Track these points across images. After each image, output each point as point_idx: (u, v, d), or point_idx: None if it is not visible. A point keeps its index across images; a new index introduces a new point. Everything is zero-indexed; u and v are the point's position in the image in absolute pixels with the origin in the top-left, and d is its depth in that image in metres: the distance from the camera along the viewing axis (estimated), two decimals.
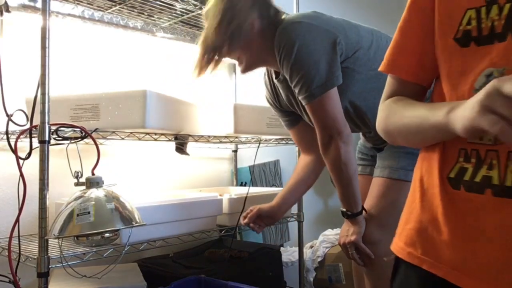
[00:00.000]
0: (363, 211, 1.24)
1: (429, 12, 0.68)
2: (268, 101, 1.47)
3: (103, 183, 1.14)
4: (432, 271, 0.64)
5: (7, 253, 1.12)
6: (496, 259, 0.58)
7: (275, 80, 1.34)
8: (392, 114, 0.72)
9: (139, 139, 1.38)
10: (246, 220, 1.48)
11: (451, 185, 0.64)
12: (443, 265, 0.63)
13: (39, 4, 1.23)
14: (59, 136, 1.14)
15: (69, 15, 1.40)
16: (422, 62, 0.71)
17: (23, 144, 1.18)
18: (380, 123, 0.76)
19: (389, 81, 0.77)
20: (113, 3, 1.46)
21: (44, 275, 1.06)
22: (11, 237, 1.12)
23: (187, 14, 1.60)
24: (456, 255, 0.62)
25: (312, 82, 1.12)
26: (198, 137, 1.56)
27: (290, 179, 1.50)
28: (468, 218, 0.62)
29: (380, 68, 0.77)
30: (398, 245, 0.72)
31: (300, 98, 1.17)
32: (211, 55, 1.20)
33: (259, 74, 2.30)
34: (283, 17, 1.24)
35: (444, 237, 0.63)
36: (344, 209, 1.24)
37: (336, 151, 1.16)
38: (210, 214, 1.56)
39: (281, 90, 1.34)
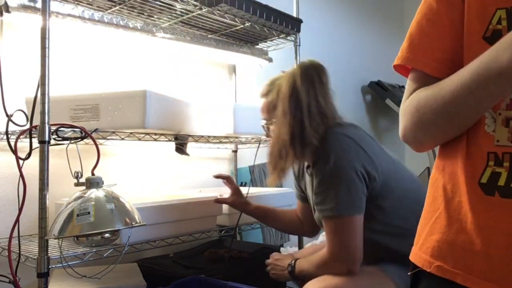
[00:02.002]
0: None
1: (459, 6, 0.65)
2: (294, 173, 1.46)
3: (103, 183, 1.14)
4: (468, 285, 0.60)
5: (7, 253, 1.12)
6: None
7: (306, 169, 1.34)
8: (425, 99, 0.65)
9: (139, 139, 1.38)
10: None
11: (484, 191, 0.61)
12: (477, 278, 0.60)
13: (39, 4, 1.23)
14: (59, 136, 1.14)
15: (69, 15, 1.39)
16: (451, 58, 0.66)
17: (23, 144, 1.18)
18: (407, 124, 0.69)
19: (410, 81, 0.71)
20: (113, 4, 1.46)
21: (44, 275, 1.06)
22: (11, 237, 1.12)
23: (187, 14, 1.60)
24: (491, 266, 0.59)
25: (339, 198, 1.09)
26: (198, 137, 1.56)
27: (279, 210, 1.56)
28: (502, 225, 0.59)
29: (400, 62, 0.70)
30: (422, 258, 0.67)
31: (320, 210, 1.14)
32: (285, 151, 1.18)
33: (258, 75, 2.30)
34: (337, 120, 1.21)
35: (477, 248, 0.60)
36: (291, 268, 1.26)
37: (340, 272, 1.11)
38: (210, 214, 1.56)
39: (306, 180, 1.35)
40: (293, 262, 1.27)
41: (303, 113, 1.15)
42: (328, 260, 1.14)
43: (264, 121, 1.31)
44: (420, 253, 0.68)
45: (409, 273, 0.72)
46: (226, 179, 1.56)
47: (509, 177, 0.58)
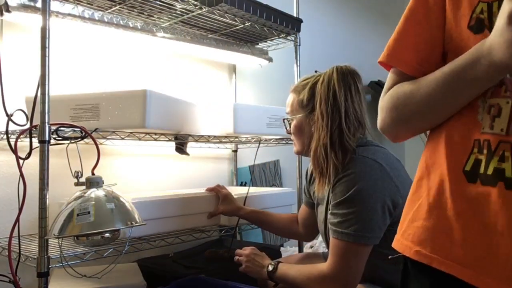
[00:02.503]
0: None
1: (438, 3, 0.68)
2: (306, 176, 1.45)
3: (103, 183, 1.14)
4: (442, 269, 0.62)
5: (7, 253, 1.12)
6: (510, 256, 0.57)
7: None
8: (404, 97, 0.69)
9: (139, 139, 1.38)
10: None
11: (467, 178, 0.62)
12: (454, 263, 0.61)
13: (39, 4, 1.23)
14: (59, 136, 1.14)
15: (69, 15, 1.39)
16: (428, 56, 0.69)
17: (23, 144, 1.18)
18: (386, 119, 0.72)
19: (390, 75, 0.74)
20: (113, 3, 1.46)
21: (44, 275, 1.06)
22: (11, 237, 1.12)
23: (187, 13, 1.60)
24: (467, 252, 0.60)
25: (359, 224, 1.07)
26: (198, 137, 1.56)
27: (275, 214, 1.55)
28: (480, 213, 0.60)
29: (381, 59, 0.73)
30: (403, 244, 0.69)
31: (335, 230, 1.11)
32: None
33: (259, 74, 2.30)
34: (367, 137, 1.21)
35: (456, 235, 0.62)
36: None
37: None
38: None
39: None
40: (275, 263, 1.27)
41: (341, 118, 1.15)
42: (327, 278, 1.12)
43: (289, 116, 1.31)
44: (402, 239, 0.70)
45: (389, 257, 0.76)
46: (214, 189, 1.57)
47: (486, 164, 0.60)
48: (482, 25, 0.61)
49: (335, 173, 1.14)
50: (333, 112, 1.15)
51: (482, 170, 0.60)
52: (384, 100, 0.73)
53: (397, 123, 0.71)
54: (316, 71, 1.29)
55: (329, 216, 1.16)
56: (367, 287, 1.20)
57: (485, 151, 0.60)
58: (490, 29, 0.59)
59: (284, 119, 1.35)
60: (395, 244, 0.72)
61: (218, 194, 1.55)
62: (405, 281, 0.72)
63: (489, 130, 0.60)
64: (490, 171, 0.59)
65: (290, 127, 1.31)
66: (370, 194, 1.08)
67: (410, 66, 0.71)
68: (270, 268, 1.26)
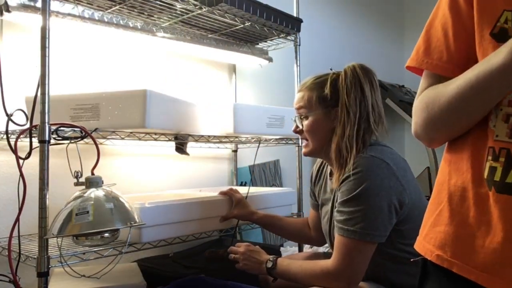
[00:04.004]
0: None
1: (467, 12, 0.68)
2: (311, 178, 1.45)
3: (102, 183, 1.14)
4: (462, 274, 0.64)
5: (7, 253, 1.12)
6: None
7: (328, 178, 1.33)
8: (434, 96, 0.69)
9: (139, 139, 1.38)
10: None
11: (487, 185, 0.63)
12: (474, 268, 0.63)
13: (39, 4, 1.23)
14: (59, 136, 1.14)
15: (69, 15, 1.39)
16: (461, 58, 0.70)
17: (23, 144, 1.18)
18: (417, 120, 0.72)
19: (423, 79, 0.75)
20: (113, 3, 1.46)
21: (44, 275, 1.06)
22: (11, 236, 1.12)
23: (187, 13, 1.60)
24: (488, 259, 0.62)
25: (365, 222, 1.09)
26: (198, 137, 1.56)
27: (287, 219, 1.55)
28: (500, 221, 0.61)
29: (414, 64, 0.74)
30: (426, 247, 0.71)
31: (340, 228, 1.13)
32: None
33: (259, 74, 2.30)
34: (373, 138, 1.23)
35: (477, 241, 0.63)
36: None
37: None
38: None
39: (327, 186, 1.33)
40: (273, 258, 1.27)
41: (368, 111, 1.19)
42: (330, 275, 1.13)
43: (303, 112, 1.28)
44: (424, 242, 0.72)
45: (411, 260, 0.76)
46: (228, 193, 1.54)
47: (503, 173, 0.61)
48: (506, 35, 0.62)
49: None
50: (361, 106, 1.18)
51: (497, 178, 0.61)
52: (416, 103, 0.73)
53: (429, 124, 0.71)
54: (331, 69, 1.30)
55: (335, 214, 1.17)
56: (370, 286, 1.20)
57: (501, 159, 0.61)
58: None
59: (297, 117, 1.31)
60: (417, 246, 0.74)
61: (231, 197, 1.53)
62: (423, 281, 0.74)
63: (507, 139, 0.61)
64: (510, 179, 0.60)
65: (303, 125, 1.29)
66: (377, 193, 1.09)
67: (442, 68, 0.71)
68: (269, 264, 1.26)
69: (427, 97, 0.70)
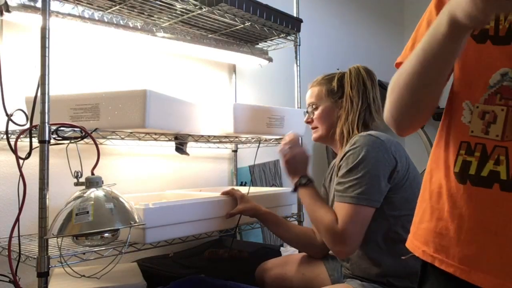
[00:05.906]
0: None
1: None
2: (324, 178, 1.53)
3: (102, 183, 1.14)
4: (443, 268, 0.66)
5: (7, 253, 1.12)
6: (503, 253, 0.60)
7: (336, 166, 1.36)
8: (396, 78, 0.72)
9: (139, 139, 1.38)
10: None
11: (457, 180, 0.65)
12: (451, 261, 0.65)
13: (39, 4, 1.23)
14: (59, 136, 1.14)
15: (69, 15, 1.39)
16: None
17: (23, 144, 1.18)
18: (386, 106, 0.75)
19: None
20: (113, 3, 1.46)
21: (44, 275, 1.06)
22: (11, 236, 1.12)
23: (187, 13, 1.60)
24: (463, 251, 0.64)
25: (362, 188, 1.17)
26: (198, 137, 1.56)
27: (292, 223, 1.59)
28: (474, 213, 0.63)
29: (401, 59, 0.77)
30: (414, 244, 0.74)
31: (340, 195, 1.21)
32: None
33: (259, 74, 2.30)
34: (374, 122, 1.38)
35: (452, 234, 0.66)
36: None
37: (332, 246, 1.21)
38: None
39: (334, 173, 1.40)
40: (306, 180, 1.36)
41: (369, 102, 1.36)
42: (332, 228, 1.18)
43: (315, 103, 1.44)
44: (413, 239, 0.75)
45: (402, 258, 0.81)
46: (230, 192, 1.54)
47: (479, 166, 0.63)
48: (486, 36, 0.63)
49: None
50: (363, 97, 1.35)
51: (473, 171, 0.63)
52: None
53: (393, 105, 0.73)
54: (338, 69, 1.47)
55: (335, 187, 1.24)
56: (365, 286, 1.21)
57: (477, 154, 0.63)
58: (493, 40, 0.61)
59: (309, 107, 1.47)
60: (408, 244, 0.76)
61: (234, 196, 1.52)
62: (423, 281, 0.75)
63: (483, 135, 0.63)
64: (485, 173, 0.62)
65: (313, 115, 1.44)
66: (373, 163, 1.19)
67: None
68: (303, 181, 1.36)
69: (392, 80, 0.73)
